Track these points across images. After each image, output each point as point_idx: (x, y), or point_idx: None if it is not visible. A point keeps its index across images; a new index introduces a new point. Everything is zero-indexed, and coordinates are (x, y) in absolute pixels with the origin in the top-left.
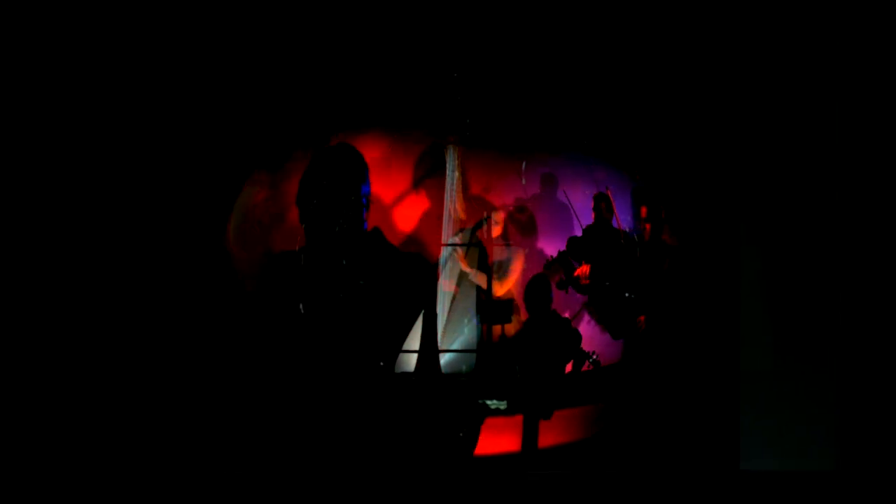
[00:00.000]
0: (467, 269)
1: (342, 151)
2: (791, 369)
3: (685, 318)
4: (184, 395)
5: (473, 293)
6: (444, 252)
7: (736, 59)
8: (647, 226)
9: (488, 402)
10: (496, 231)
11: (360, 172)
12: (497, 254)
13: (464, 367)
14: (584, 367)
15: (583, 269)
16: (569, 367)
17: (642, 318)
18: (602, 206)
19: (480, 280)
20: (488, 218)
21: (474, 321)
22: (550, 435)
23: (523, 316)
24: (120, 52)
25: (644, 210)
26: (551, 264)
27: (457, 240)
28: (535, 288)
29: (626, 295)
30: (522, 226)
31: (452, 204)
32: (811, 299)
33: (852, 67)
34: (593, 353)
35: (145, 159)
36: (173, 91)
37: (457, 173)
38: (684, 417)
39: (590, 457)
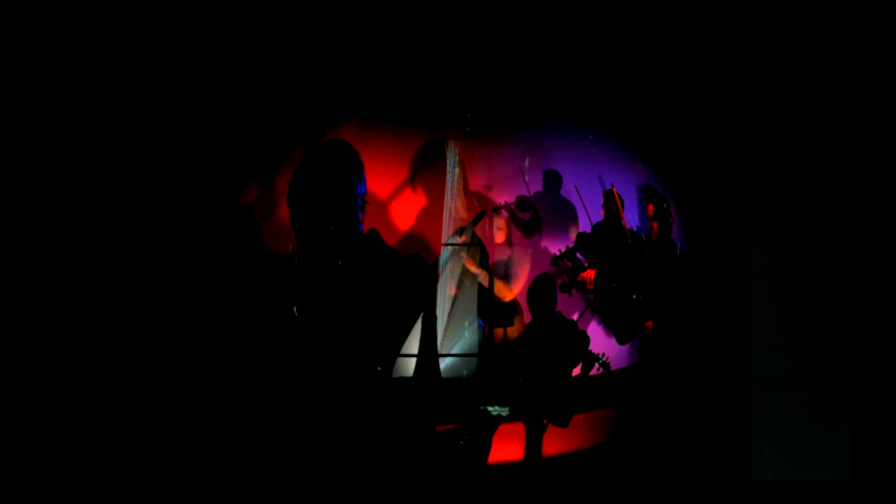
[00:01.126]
0: (476, 271)
1: (337, 147)
2: (806, 373)
3: (695, 320)
4: (177, 399)
5: (475, 295)
6: (445, 252)
7: (748, 54)
8: (655, 224)
9: (490, 409)
10: (500, 237)
11: (356, 170)
12: (501, 255)
13: (464, 372)
14: (594, 371)
15: (587, 274)
16: (576, 371)
17: (650, 323)
18: (613, 203)
19: (486, 280)
20: (484, 213)
21: (475, 324)
22: (554, 443)
23: (527, 318)
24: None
25: (651, 208)
26: (559, 259)
27: (457, 239)
28: (539, 288)
29: (634, 297)
30: (526, 225)
31: (453, 202)
32: (826, 300)
33: (870, 66)
34: (603, 354)
35: (136, 159)
36: (170, 88)
37: (457, 170)
38: (693, 425)
39: (594, 466)
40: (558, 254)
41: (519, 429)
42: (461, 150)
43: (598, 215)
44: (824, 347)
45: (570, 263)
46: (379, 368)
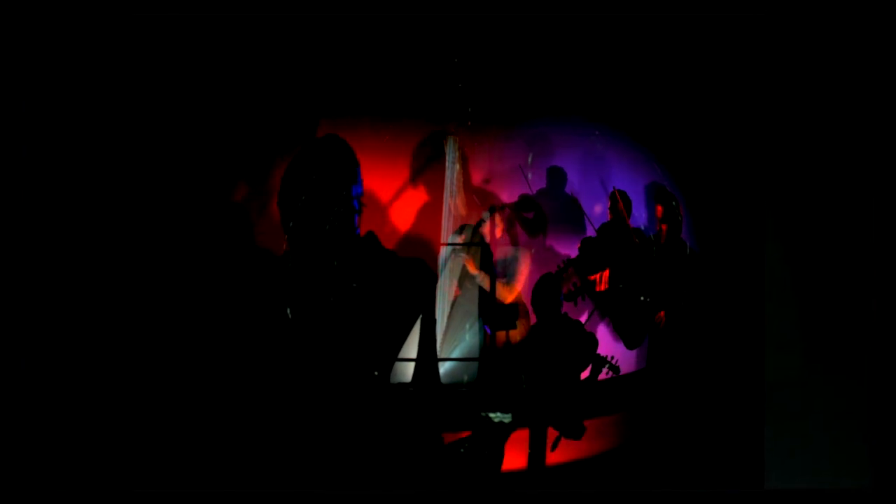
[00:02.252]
0: (475, 272)
1: (331, 144)
2: (821, 376)
3: (705, 323)
4: (167, 405)
5: (476, 297)
6: (444, 252)
7: (759, 49)
8: (664, 227)
9: (492, 415)
10: (500, 231)
11: (352, 169)
12: (502, 255)
13: (465, 377)
14: (603, 374)
15: (600, 275)
16: (584, 374)
17: (662, 313)
18: (619, 205)
19: (487, 283)
20: (493, 211)
21: (476, 327)
22: (559, 451)
23: (532, 320)
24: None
25: (660, 209)
26: (564, 270)
27: (458, 238)
28: (543, 289)
29: (642, 298)
30: (529, 224)
31: (452, 199)
32: (841, 302)
33: (884, 61)
34: (612, 356)
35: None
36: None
37: (457, 166)
38: (703, 431)
39: (600, 475)
40: (562, 265)
41: (522, 436)
42: (461, 146)
43: (602, 220)
44: (840, 349)
45: (574, 271)
46: (376, 373)
